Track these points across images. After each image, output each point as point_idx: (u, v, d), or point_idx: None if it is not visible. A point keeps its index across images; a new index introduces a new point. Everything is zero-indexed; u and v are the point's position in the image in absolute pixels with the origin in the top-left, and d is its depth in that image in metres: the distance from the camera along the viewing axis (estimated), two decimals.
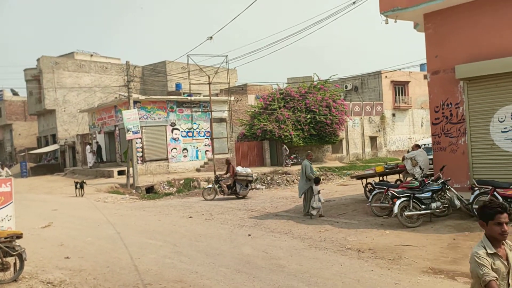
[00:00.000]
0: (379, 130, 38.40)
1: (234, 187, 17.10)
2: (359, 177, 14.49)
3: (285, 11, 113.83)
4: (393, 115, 39.46)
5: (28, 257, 7.08)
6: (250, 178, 17.31)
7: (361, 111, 37.23)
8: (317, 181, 12.02)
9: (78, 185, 19.71)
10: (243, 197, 17.13)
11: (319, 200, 11.69)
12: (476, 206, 9.40)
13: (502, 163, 10.43)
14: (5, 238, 6.83)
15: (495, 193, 9.17)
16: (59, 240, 10.11)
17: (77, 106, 36.71)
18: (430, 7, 11.05)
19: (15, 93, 48.82)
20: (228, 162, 17.87)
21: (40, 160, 42.10)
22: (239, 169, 17.44)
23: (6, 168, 22.55)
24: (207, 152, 27.90)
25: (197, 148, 27.73)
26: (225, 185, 16.96)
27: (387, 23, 11.50)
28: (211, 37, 17.80)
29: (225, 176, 17.34)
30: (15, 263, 6.94)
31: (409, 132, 40.35)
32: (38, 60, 36.79)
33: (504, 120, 10.45)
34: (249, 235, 9.95)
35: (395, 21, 11.54)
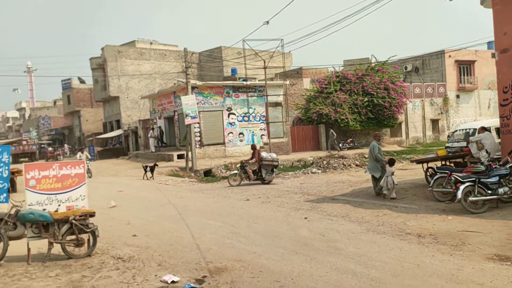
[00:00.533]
0: (442, 113, 36.72)
1: (260, 172, 16.87)
2: (420, 161, 14.03)
3: None
4: (457, 96, 37.51)
5: (99, 234, 7.62)
6: (275, 163, 17.10)
7: (422, 93, 35.74)
8: (391, 162, 12.05)
9: (148, 168, 20.51)
10: (269, 182, 16.93)
11: (393, 182, 11.66)
12: None
13: None
14: (80, 216, 7.38)
15: None
16: (126, 219, 10.76)
17: (138, 92, 38.26)
18: None
19: (82, 81, 51.78)
20: (253, 147, 17.73)
21: (106, 144, 44.54)
22: (264, 154, 17.23)
23: (86, 152, 24.21)
24: (262, 136, 28.13)
25: (253, 132, 28.03)
26: (250, 171, 16.74)
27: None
28: (267, 22, 17.81)
29: (250, 161, 17.12)
30: (88, 239, 7.49)
31: (475, 114, 38.23)
32: (102, 49, 38.63)
33: None
34: (306, 218, 10.02)
35: None
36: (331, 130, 28.86)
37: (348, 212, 10.40)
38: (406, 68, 38.82)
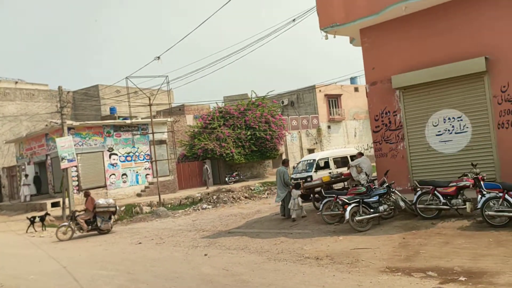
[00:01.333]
0: (316, 142, 39.62)
1: (95, 221, 15.20)
2: (308, 188, 14.79)
3: (227, 30, 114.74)
4: (329, 127, 40.95)
5: None
6: (112, 209, 15.50)
7: (299, 125, 38.26)
8: (298, 186, 13.14)
9: (37, 219, 18.05)
10: (107, 231, 15.37)
11: (299, 204, 12.80)
12: (420, 206, 9.98)
13: (438, 164, 11.22)
14: None
15: (435, 192, 9.79)
16: None
17: (2, 137, 34.27)
18: (366, 22, 11.77)
19: None
20: (86, 194, 16.11)
21: None
22: (100, 201, 15.72)
23: None
24: (147, 176, 27.14)
25: (137, 172, 26.87)
26: (82, 221, 15.01)
27: (327, 38, 12.07)
28: (158, 57, 17.58)
29: (82, 211, 15.54)
30: None
31: (344, 142, 42.01)
32: None
33: (437, 124, 11.28)
34: (206, 254, 9.76)
35: (334, 37, 12.15)
36: (205, 166, 29.13)
37: (247, 244, 10.41)
38: (283, 102, 41.41)
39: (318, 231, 10.83)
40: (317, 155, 18.20)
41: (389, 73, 11.83)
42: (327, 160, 20.33)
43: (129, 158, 26.59)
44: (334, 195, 11.19)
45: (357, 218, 9.91)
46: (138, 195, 26.29)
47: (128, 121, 26.79)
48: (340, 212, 10.64)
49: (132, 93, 26.57)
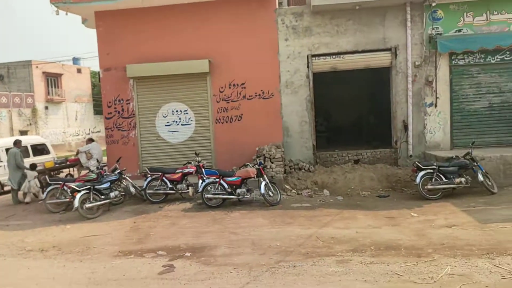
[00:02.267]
0: (31, 124, 35.66)
1: None
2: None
3: None
4: (46, 108, 37.47)
5: None
6: None
7: (9, 103, 33.48)
8: (34, 167, 11.96)
9: None
10: None
11: (36, 185, 11.86)
12: (150, 191, 10.61)
13: (166, 152, 12.18)
14: None
15: (164, 178, 10.62)
16: None
17: None
18: (102, 6, 11.51)
19: None
20: None
21: None
22: None
23: None
24: None
25: None
26: None
27: (57, 14, 11.14)
28: None
29: None
30: None
31: (63, 125, 39.34)
32: None
33: (167, 116, 12.19)
34: None
35: (66, 14, 11.33)
36: None
37: None
38: None
39: (41, 221, 10.00)
40: (8, 141, 13.89)
41: (124, 61, 11.98)
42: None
43: None
44: (61, 182, 10.56)
45: (87, 205, 9.68)
46: None
47: None
48: (68, 200, 10.14)
49: None
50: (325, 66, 12.08)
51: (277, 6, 12.27)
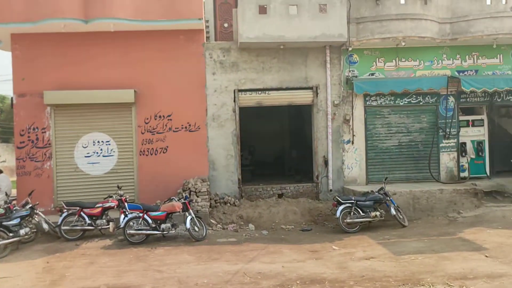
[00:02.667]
0: None
1: None
2: None
3: None
4: None
5: None
6: None
7: None
8: None
9: None
10: None
11: None
12: (65, 227, 9.92)
13: (85, 185, 11.55)
14: None
15: (82, 213, 10.01)
16: None
17: None
18: (20, 28, 10.87)
19: None
20: None
21: None
22: None
23: None
24: None
25: None
26: None
27: None
28: None
29: None
30: None
31: None
32: None
33: (87, 146, 11.66)
34: None
35: None
36: None
37: None
38: None
39: None
40: None
41: (41, 87, 11.34)
42: None
43: None
44: None
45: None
46: None
47: None
48: None
49: None
50: (251, 101, 12.42)
51: (205, 40, 12.48)
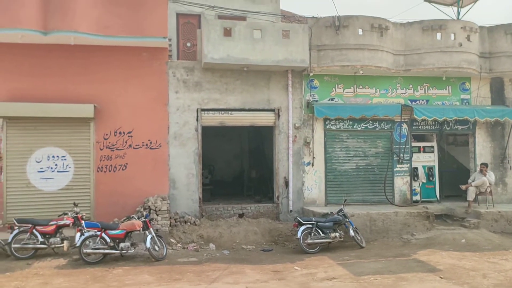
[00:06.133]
0: None
1: None
2: None
3: None
4: None
5: None
6: None
7: None
8: None
9: None
10: None
11: None
12: (16, 246, 9.36)
13: (38, 202, 10.99)
14: None
15: (34, 230, 9.50)
16: None
17: None
18: None
19: None
20: None
21: None
22: None
23: None
24: None
25: None
26: None
27: None
28: None
29: None
30: None
31: None
32: None
33: (41, 161, 11.17)
34: None
35: None
36: None
37: None
38: None
39: None
40: None
41: None
42: None
43: None
44: None
45: None
46: None
47: None
48: None
49: None
50: (214, 121, 12.44)
51: (168, 59, 12.45)
